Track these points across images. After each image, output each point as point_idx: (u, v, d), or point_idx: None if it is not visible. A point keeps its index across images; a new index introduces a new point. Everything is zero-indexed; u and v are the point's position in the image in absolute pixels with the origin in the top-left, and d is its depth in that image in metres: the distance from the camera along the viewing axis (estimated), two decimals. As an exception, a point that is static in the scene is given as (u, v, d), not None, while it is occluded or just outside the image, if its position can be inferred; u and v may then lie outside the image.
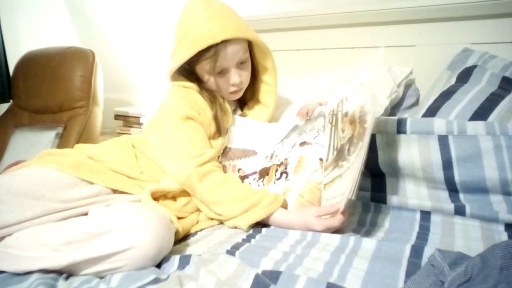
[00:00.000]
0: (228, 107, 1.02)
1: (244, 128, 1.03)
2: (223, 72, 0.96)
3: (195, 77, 0.99)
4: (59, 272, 0.68)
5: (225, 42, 0.90)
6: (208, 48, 0.90)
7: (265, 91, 1.09)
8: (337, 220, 0.73)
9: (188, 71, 0.99)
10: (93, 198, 0.82)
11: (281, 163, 0.92)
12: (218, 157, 0.98)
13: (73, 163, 0.84)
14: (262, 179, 0.92)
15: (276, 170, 0.92)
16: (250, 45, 1.01)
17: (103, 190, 0.85)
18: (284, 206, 0.84)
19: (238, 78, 0.96)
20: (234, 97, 1.03)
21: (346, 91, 0.90)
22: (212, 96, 0.98)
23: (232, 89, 0.99)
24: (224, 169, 0.96)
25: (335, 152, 0.84)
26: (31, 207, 0.74)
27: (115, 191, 0.87)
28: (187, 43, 0.91)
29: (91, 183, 0.84)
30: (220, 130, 0.97)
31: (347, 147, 0.79)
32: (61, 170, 0.82)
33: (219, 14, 0.91)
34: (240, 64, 0.97)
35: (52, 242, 0.68)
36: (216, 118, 0.96)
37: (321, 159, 0.88)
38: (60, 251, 0.68)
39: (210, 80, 0.97)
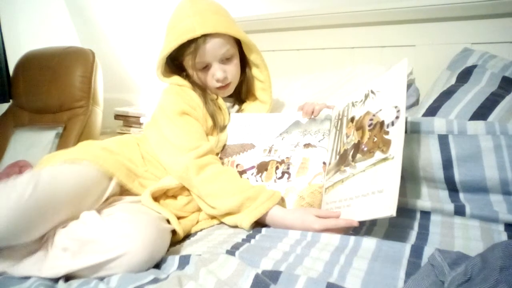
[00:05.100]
0: (222, 103, 1.03)
1: (241, 122, 1.03)
2: (207, 68, 0.98)
3: (186, 74, 1.01)
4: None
5: (205, 37, 0.91)
6: (190, 44, 0.92)
7: (259, 88, 1.09)
8: (338, 222, 0.72)
9: (179, 68, 1.02)
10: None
11: (282, 161, 0.92)
12: (217, 154, 0.99)
13: (113, 162, 0.83)
14: (260, 174, 0.92)
15: (277, 168, 0.91)
16: (240, 43, 1.01)
17: (115, 187, 0.83)
18: (281, 203, 0.83)
19: (221, 74, 0.97)
20: (223, 93, 1.03)
21: (353, 96, 0.89)
22: (202, 91, 1.00)
23: (217, 84, 0.99)
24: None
25: (337, 157, 0.84)
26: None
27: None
28: (170, 38, 0.95)
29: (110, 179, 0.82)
30: (216, 125, 0.98)
31: (351, 153, 0.78)
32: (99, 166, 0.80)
33: (202, 10, 0.93)
34: (225, 60, 0.98)
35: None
36: (210, 113, 0.97)
37: (324, 163, 0.88)
38: (58, 258, 0.68)
39: (195, 76, 0.99)
